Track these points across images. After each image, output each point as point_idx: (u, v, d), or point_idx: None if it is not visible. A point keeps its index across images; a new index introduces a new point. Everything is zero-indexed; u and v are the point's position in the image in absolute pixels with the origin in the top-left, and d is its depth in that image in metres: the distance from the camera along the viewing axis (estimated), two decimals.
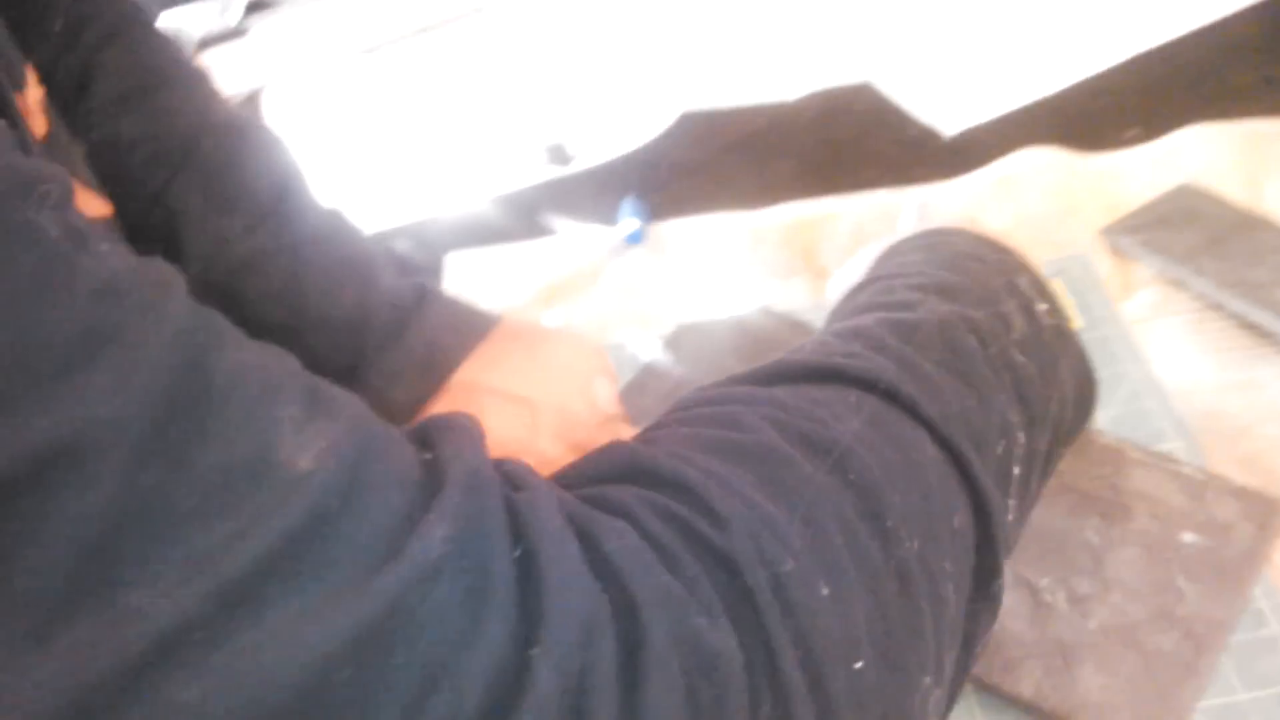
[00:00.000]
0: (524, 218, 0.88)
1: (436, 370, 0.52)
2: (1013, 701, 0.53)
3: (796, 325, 0.72)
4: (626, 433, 0.51)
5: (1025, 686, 0.53)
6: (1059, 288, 0.71)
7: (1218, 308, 0.69)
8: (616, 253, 0.80)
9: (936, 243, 0.52)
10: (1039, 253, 0.74)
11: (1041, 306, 0.47)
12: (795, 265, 0.78)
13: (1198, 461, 0.61)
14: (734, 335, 0.72)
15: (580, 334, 0.55)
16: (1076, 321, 0.69)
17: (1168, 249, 0.72)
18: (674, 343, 0.71)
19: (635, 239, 0.81)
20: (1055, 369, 0.47)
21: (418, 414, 0.50)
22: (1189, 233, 0.72)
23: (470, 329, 0.53)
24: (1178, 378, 0.66)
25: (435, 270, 0.82)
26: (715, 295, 0.77)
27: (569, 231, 0.85)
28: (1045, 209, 0.77)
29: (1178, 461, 0.60)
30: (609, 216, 0.83)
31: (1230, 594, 0.55)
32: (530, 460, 0.45)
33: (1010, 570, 0.56)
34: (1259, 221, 0.72)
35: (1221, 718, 0.52)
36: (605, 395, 0.53)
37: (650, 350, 0.72)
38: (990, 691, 0.54)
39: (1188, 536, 0.57)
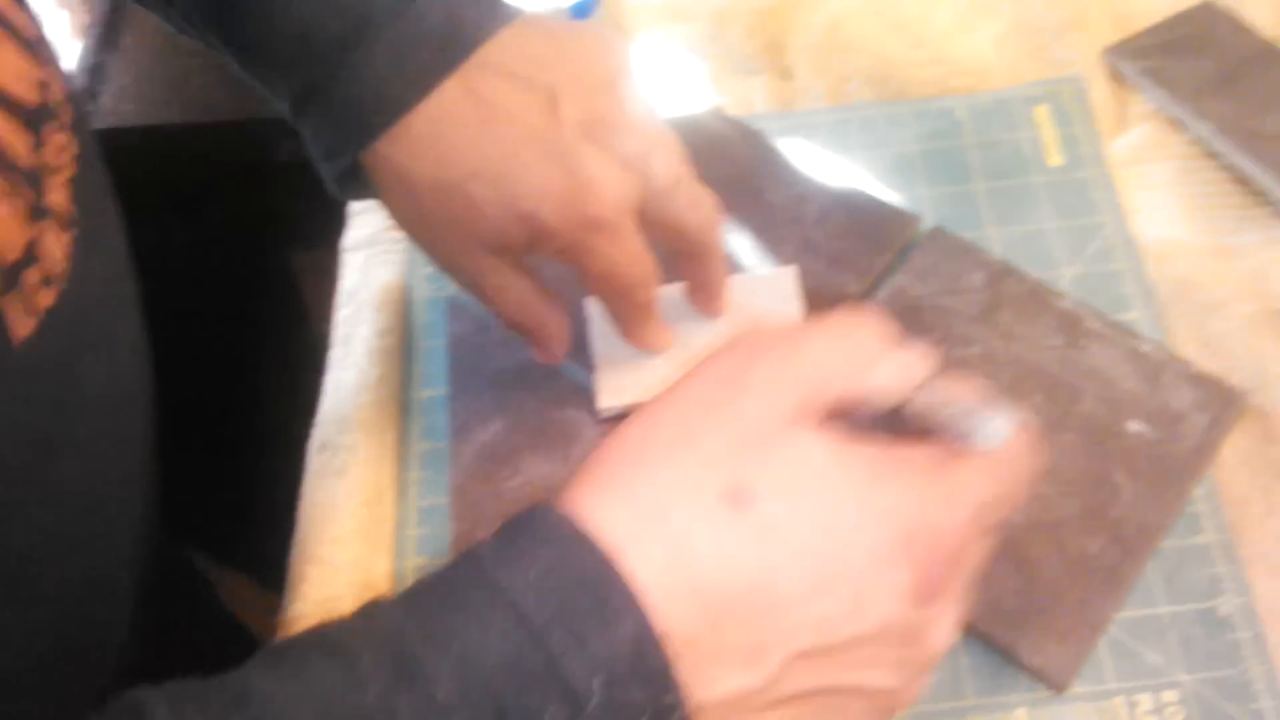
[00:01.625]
0: None
1: (455, 45, 0.45)
2: None
3: (749, 134, 0.64)
4: (658, 149, 0.46)
5: None
6: (1044, 116, 0.64)
7: (1213, 156, 0.62)
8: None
9: None
10: (1033, 71, 0.67)
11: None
12: (759, 62, 0.69)
13: (1159, 337, 0.56)
14: (681, 136, 0.64)
15: (609, 31, 0.49)
16: (1056, 158, 0.63)
17: (1171, 81, 0.64)
18: None
19: (583, 10, 0.71)
20: None
21: (425, 97, 0.45)
22: (1200, 63, 0.64)
23: (493, 9, 0.47)
24: (1154, 236, 0.59)
25: None
26: (665, 88, 0.69)
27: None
28: (1048, 18, 0.68)
29: (1138, 337, 0.55)
30: None
31: (1169, 497, 0.51)
32: (550, 156, 0.43)
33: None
34: None
35: (1138, 630, 0.49)
36: (636, 96, 0.47)
37: None
38: None
39: (1134, 425, 0.53)
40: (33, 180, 0.39)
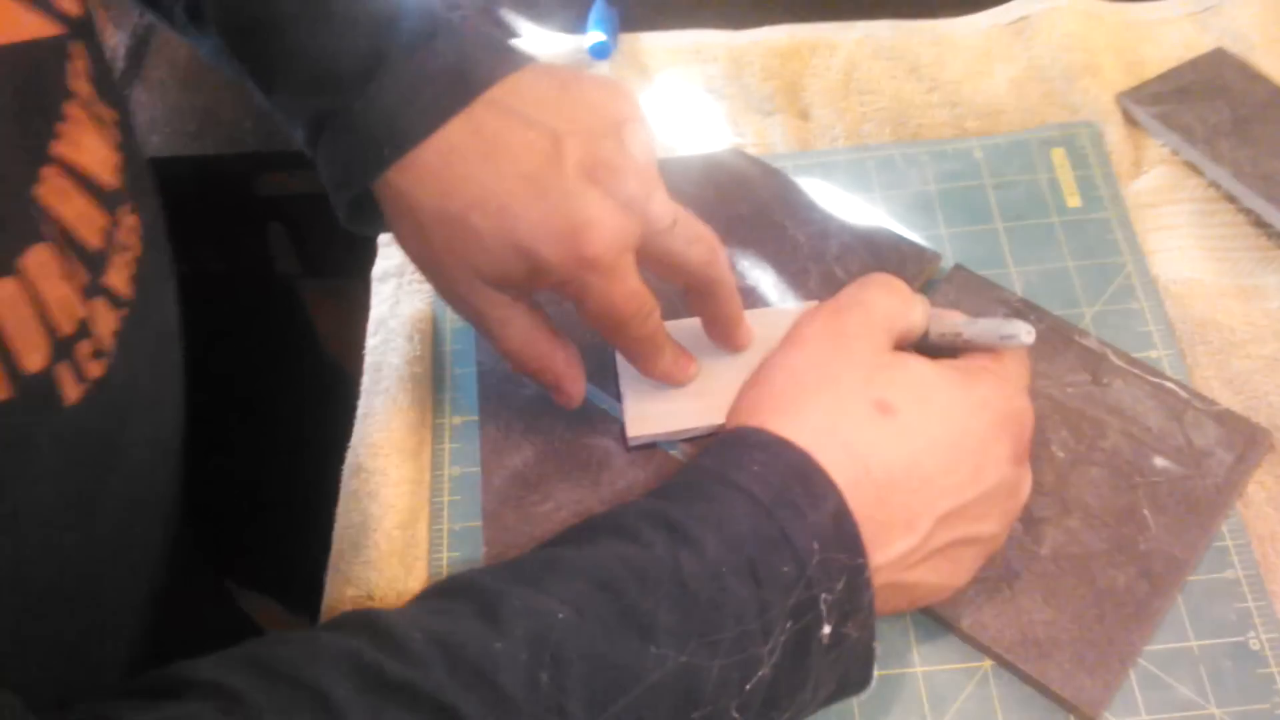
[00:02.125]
0: (481, 14, 0.79)
1: (466, 83, 0.47)
2: (950, 628, 0.50)
3: (770, 172, 0.65)
4: (657, 191, 0.48)
5: (965, 615, 0.50)
6: (1061, 158, 0.65)
7: (1231, 200, 0.63)
8: (579, 66, 0.72)
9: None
10: (1047, 115, 0.68)
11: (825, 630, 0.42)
12: (777, 101, 0.70)
13: (1182, 376, 0.57)
14: (698, 178, 0.65)
15: (616, 80, 0.51)
16: (1074, 199, 0.64)
17: (1185, 126, 0.65)
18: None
19: (601, 53, 0.72)
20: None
21: (435, 131, 0.47)
22: (1213, 109, 0.66)
23: (505, 55, 0.49)
24: (1174, 276, 0.60)
25: None
26: (684, 126, 0.70)
27: (528, 36, 0.76)
28: (1061, 63, 0.69)
29: (1161, 375, 0.56)
30: (576, 24, 0.75)
31: (1195, 531, 0.51)
32: (551, 194, 0.46)
33: None
34: None
35: (1169, 664, 0.49)
36: (639, 141, 0.48)
37: None
38: (927, 614, 0.51)
39: (1160, 461, 0.53)
40: (96, 261, 0.41)
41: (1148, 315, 0.59)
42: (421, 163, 0.47)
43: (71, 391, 0.39)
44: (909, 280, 0.60)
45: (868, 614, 0.43)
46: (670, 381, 0.54)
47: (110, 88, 0.44)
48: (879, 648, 0.44)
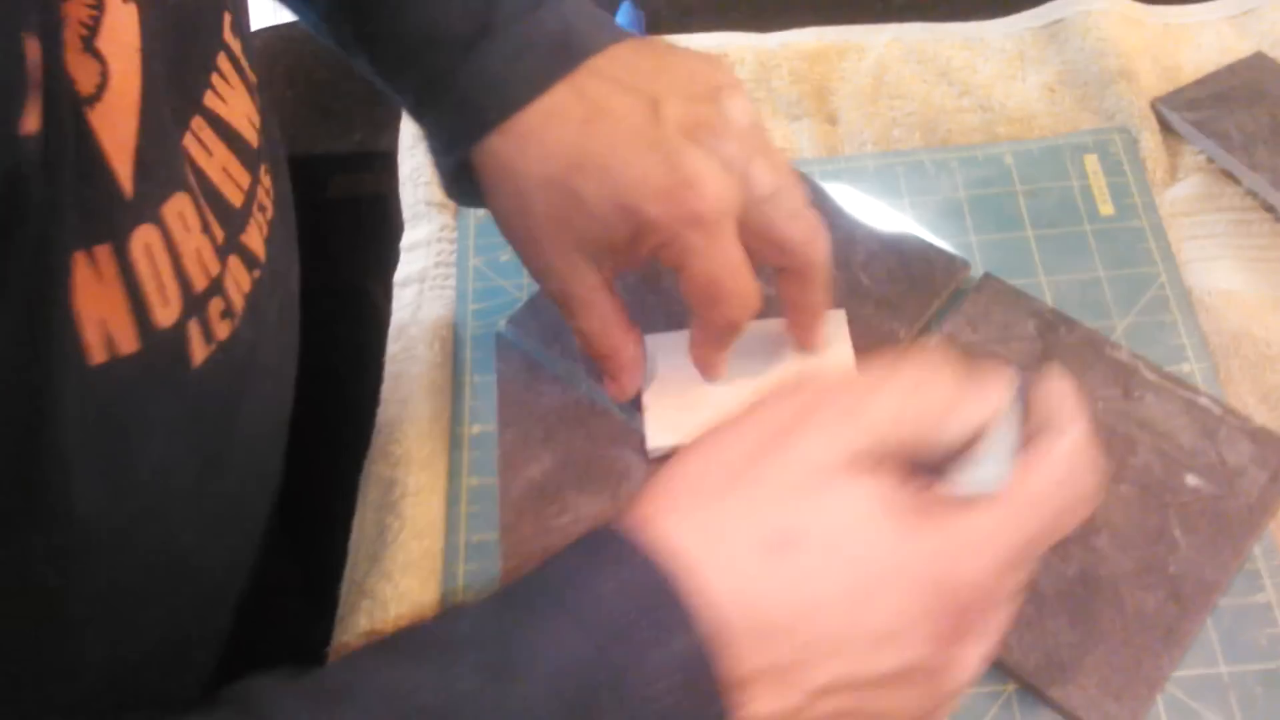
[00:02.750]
0: None
1: (569, 51, 0.48)
2: None
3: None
4: (759, 156, 0.47)
5: None
6: (1094, 165, 0.64)
7: (1268, 209, 0.61)
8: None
9: None
10: (1080, 120, 0.67)
11: None
12: (805, 106, 0.69)
13: (1216, 391, 0.55)
14: None
15: (713, 53, 0.51)
16: (1107, 207, 0.62)
17: (1222, 134, 0.64)
18: None
19: None
20: None
21: (538, 96, 0.48)
22: (1251, 115, 0.64)
23: (607, 26, 0.50)
24: (1208, 287, 0.59)
25: None
26: None
27: None
28: (1096, 68, 0.68)
29: (1194, 389, 0.55)
30: None
31: (1227, 552, 0.50)
32: (653, 152, 0.45)
33: None
34: None
35: (1197, 689, 0.48)
36: (739, 106, 0.48)
37: None
38: None
39: (1191, 480, 0.52)
40: (236, 218, 0.41)
41: (1181, 327, 0.58)
42: (524, 127, 0.47)
43: (199, 351, 0.38)
44: (937, 289, 0.59)
45: None
46: (709, 375, 0.54)
47: (251, 50, 0.45)
48: None
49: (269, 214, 0.44)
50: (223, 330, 0.40)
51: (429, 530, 0.55)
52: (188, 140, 0.38)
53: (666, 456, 0.55)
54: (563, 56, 0.48)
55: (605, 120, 0.47)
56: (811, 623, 0.35)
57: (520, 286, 0.62)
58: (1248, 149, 0.63)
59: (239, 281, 0.41)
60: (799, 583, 0.35)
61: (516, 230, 0.50)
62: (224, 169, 0.40)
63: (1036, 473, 0.37)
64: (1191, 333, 0.57)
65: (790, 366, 0.55)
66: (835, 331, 0.56)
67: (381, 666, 0.34)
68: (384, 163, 0.70)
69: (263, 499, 0.52)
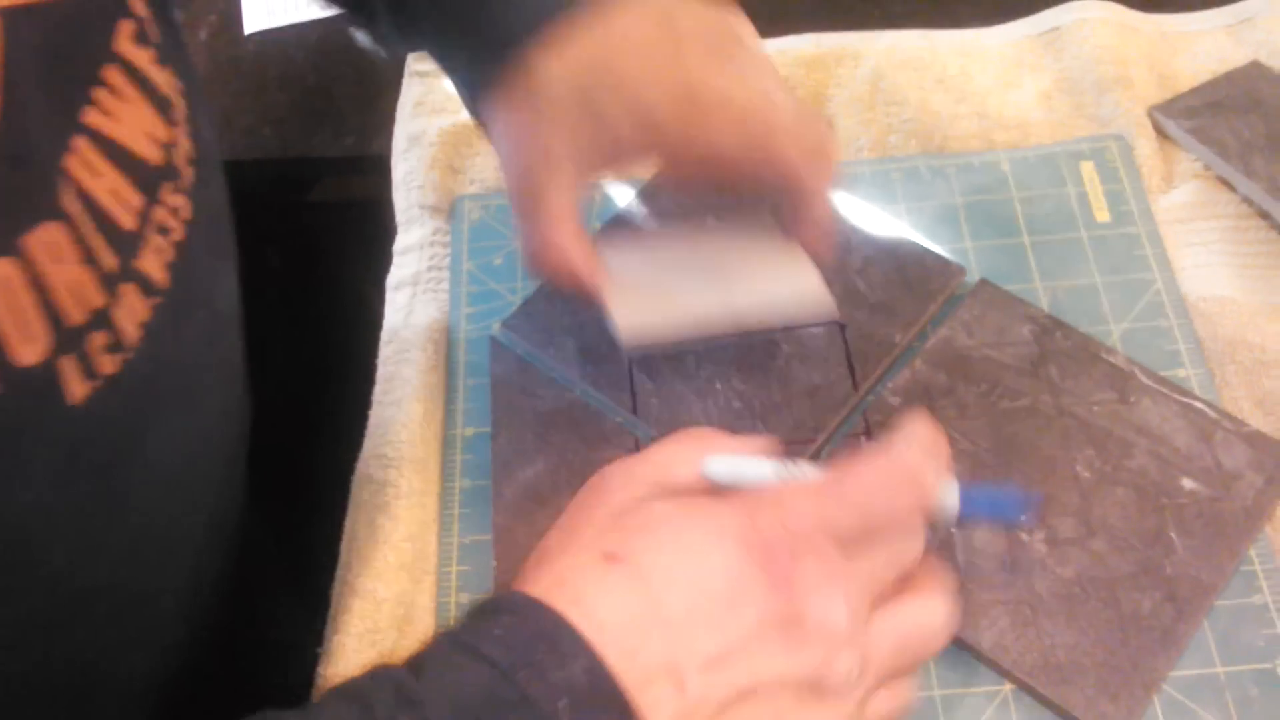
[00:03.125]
0: None
1: None
2: (970, 651, 0.49)
3: None
4: (772, 79, 0.49)
5: (986, 638, 0.49)
6: (1090, 172, 0.64)
7: (1263, 216, 0.61)
8: None
9: None
10: (1076, 128, 0.67)
11: None
12: None
13: (1211, 396, 0.55)
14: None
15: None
16: (1103, 214, 0.62)
17: (1218, 141, 0.64)
18: (650, 193, 0.63)
19: None
20: None
21: (558, 16, 0.48)
22: (1247, 123, 0.64)
23: None
24: (1204, 294, 0.59)
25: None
26: None
27: None
28: (1092, 75, 0.68)
29: (1190, 394, 0.54)
30: None
31: (1223, 555, 0.50)
32: (669, 61, 0.47)
33: None
34: None
35: (1194, 691, 0.48)
36: (752, 36, 0.51)
37: (624, 199, 0.64)
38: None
39: (1188, 483, 0.52)
40: (128, 243, 0.39)
41: (1177, 333, 0.58)
42: (544, 46, 0.48)
43: (78, 388, 0.37)
44: (933, 294, 0.59)
45: None
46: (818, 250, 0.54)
47: (177, 55, 0.43)
48: None
49: (174, 236, 0.41)
50: (109, 364, 0.38)
51: (422, 532, 0.54)
52: (70, 162, 0.36)
53: (647, 359, 0.57)
54: None
55: (624, 36, 0.48)
56: (663, 613, 0.38)
57: (514, 290, 0.62)
58: (1243, 156, 0.63)
59: (134, 310, 0.39)
60: (634, 586, 0.38)
61: (515, 128, 0.50)
62: (113, 191, 0.38)
63: (848, 469, 0.41)
64: (1187, 338, 0.57)
65: (762, 276, 0.55)
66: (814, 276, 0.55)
67: (306, 710, 0.37)
68: (376, 166, 0.70)
69: (201, 531, 0.50)
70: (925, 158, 0.66)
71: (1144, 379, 0.55)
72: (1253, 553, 0.51)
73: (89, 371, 0.37)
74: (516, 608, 0.38)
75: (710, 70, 0.48)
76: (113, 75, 0.38)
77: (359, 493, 0.56)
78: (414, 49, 0.55)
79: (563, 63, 0.48)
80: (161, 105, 0.41)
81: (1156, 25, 0.71)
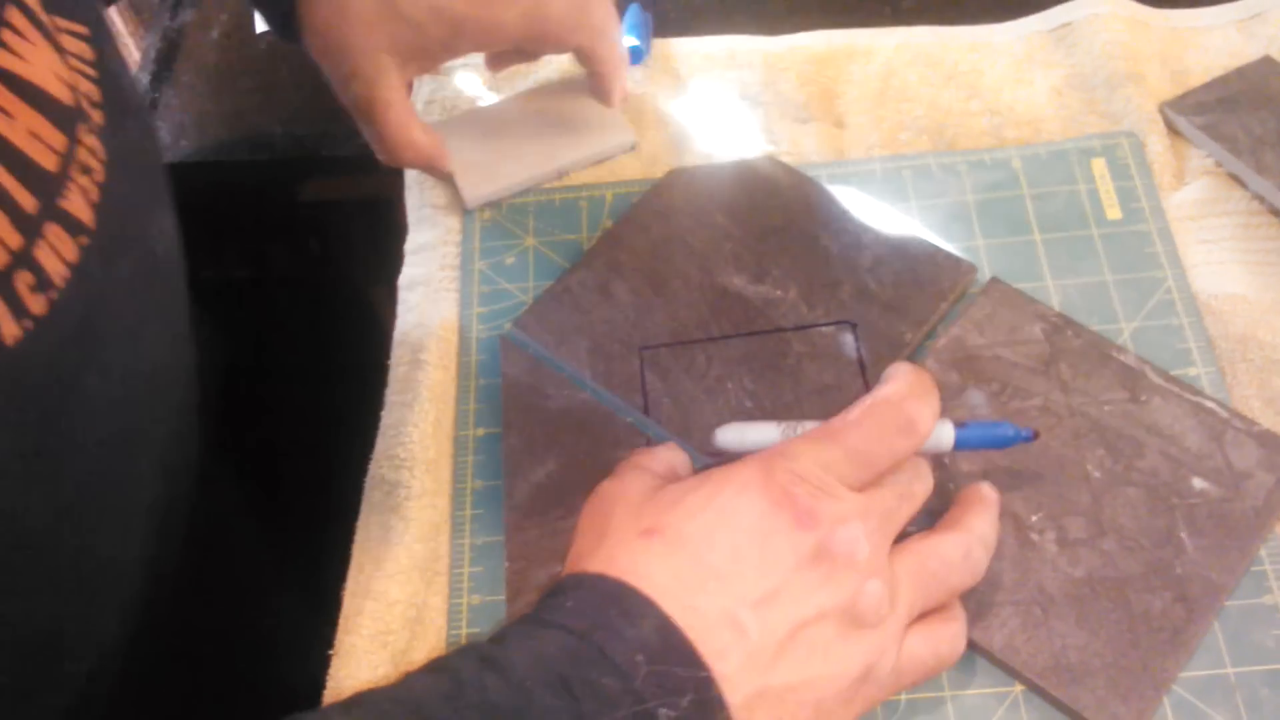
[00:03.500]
0: None
1: None
2: (980, 652, 0.49)
3: (803, 180, 0.64)
4: None
5: (996, 638, 0.49)
6: (1101, 169, 0.64)
7: (1275, 213, 0.61)
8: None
9: None
10: (1088, 124, 0.66)
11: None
12: (812, 109, 0.69)
13: (1222, 395, 0.55)
14: (729, 186, 0.64)
15: None
16: (1114, 211, 0.62)
17: (1230, 137, 0.63)
18: (663, 189, 0.63)
19: (635, 58, 0.72)
20: None
21: None
22: (1259, 119, 0.64)
23: None
24: (1215, 291, 0.59)
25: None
26: (717, 135, 0.69)
27: None
28: (1104, 72, 0.68)
29: (1200, 393, 0.54)
30: None
31: (1234, 555, 0.50)
32: None
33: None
34: None
35: (1204, 691, 0.48)
36: None
37: (635, 197, 0.64)
38: None
39: (1198, 483, 0.52)
40: (50, 183, 0.39)
41: (1187, 331, 0.57)
42: None
43: (9, 329, 0.37)
44: (944, 293, 0.59)
45: None
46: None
47: (71, 2, 0.43)
48: None
49: (98, 177, 0.42)
50: (37, 305, 0.38)
51: (433, 533, 0.55)
52: None
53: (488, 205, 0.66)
54: None
55: None
56: (708, 567, 0.42)
57: (525, 290, 0.62)
58: (1255, 153, 0.62)
59: (60, 250, 0.39)
60: (675, 550, 0.42)
61: (331, 39, 0.55)
62: (31, 132, 0.38)
63: (843, 416, 0.46)
64: (1198, 337, 0.57)
65: (576, 128, 0.68)
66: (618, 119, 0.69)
67: (392, 684, 0.39)
68: (388, 166, 0.70)
69: (154, 478, 0.51)
70: (936, 155, 0.66)
71: (1155, 378, 0.55)
72: (1263, 553, 0.51)
73: (18, 311, 0.37)
74: (581, 584, 0.42)
75: None
76: (14, 16, 0.38)
77: (371, 494, 0.56)
78: None
79: None
80: (69, 47, 0.41)
81: (1168, 21, 0.71)
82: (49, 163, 0.39)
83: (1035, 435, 0.49)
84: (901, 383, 0.46)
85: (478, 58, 0.71)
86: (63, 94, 0.40)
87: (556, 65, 0.72)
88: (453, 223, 0.66)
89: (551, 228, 0.65)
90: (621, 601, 0.40)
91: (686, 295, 0.60)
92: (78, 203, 0.40)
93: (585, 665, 0.38)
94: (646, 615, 0.40)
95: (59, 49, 0.41)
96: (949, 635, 0.45)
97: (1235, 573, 0.50)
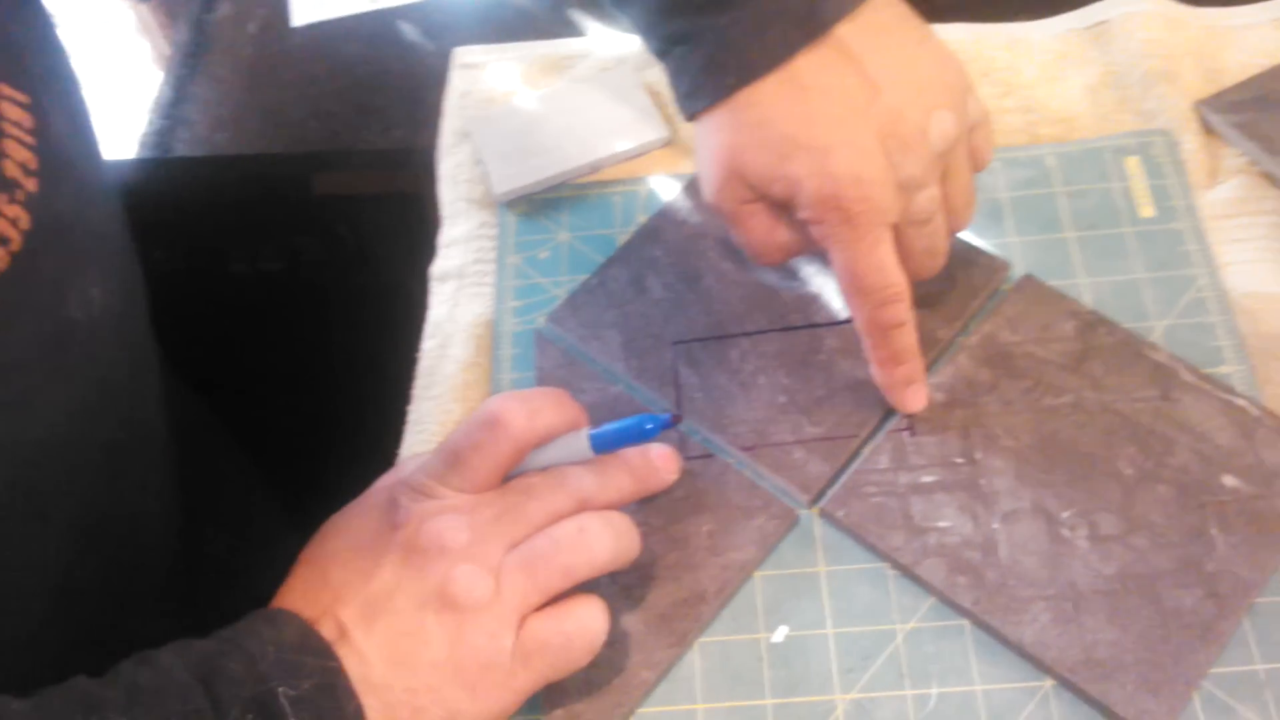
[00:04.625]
0: (551, 12, 0.79)
1: (816, 19, 0.51)
2: (1011, 646, 0.49)
3: None
4: (933, 186, 0.51)
5: (1028, 632, 0.49)
6: (1135, 167, 0.64)
7: None
8: (642, 66, 0.72)
9: None
10: (1122, 122, 0.66)
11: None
12: None
13: (1253, 393, 0.55)
14: None
15: (956, 58, 0.54)
16: (1147, 209, 0.62)
17: (1265, 137, 0.63)
18: (697, 184, 0.64)
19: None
20: None
21: (776, 69, 0.51)
22: None
23: None
24: (1247, 290, 0.59)
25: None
26: None
27: (597, 36, 0.76)
28: (1139, 70, 0.67)
29: (1232, 391, 0.54)
30: None
31: (1264, 552, 0.50)
32: (840, 140, 0.49)
33: (1030, 496, 0.52)
34: None
35: (1234, 687, 0.48)
36: (943, 131, 0.51)
37: (670, 193, 0.65)
38: (989, 631, 0.50)
39: (1229, 480, 0.52)
40: None
41: (1219, 330, 0.58)
42: (751, 99, 0.51)
43: None
44: (976, 290, 0.59)
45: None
46: (893, 397, 0.55)
47: (13, 68, 0.44)
48: None
49: (13, 246, 0.42)
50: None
51: None
52: None
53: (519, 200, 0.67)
54: (807, 26, 0.50)
55: (820, 98, 0.50)
56: (334, 570, 0.47)
57: (559, 284, 0.63)
58: None
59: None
60: (318, 560, 0.48)
61: (706, 158, 0.54)
62: None
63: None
64: (1230, 335, 0.57)
65: (610, 123, 0.69)
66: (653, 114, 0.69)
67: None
68: (422, 159, 0.71)
69: (114, 431, 0.54)
70: None
71: (1186, 375, 0.55)
72: None
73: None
74: (252, 616, 0.46)
75: (870, 158, 0.49)
76: None
77: None
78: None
79: (758, 112, 0.51)
80: None
81: (1203, 19, 0.71)
82: None
83: (676, 419, 0.50)
84: (510, 394, 0.50)
85: (511, 49, 0.72)
86: None
87: (592, 62, 0.73)
88: (487, 217, 0.66)
89: (585, 222, 0.65)
90: (271, 616, 0.45)
91: (720, 290, 0.60)
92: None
93: (223, 657, 0.42)
94: (291, 623, 0.44)
95: None
96: (575, 616, 0.46)
97: (1266, 570, 0.50)
